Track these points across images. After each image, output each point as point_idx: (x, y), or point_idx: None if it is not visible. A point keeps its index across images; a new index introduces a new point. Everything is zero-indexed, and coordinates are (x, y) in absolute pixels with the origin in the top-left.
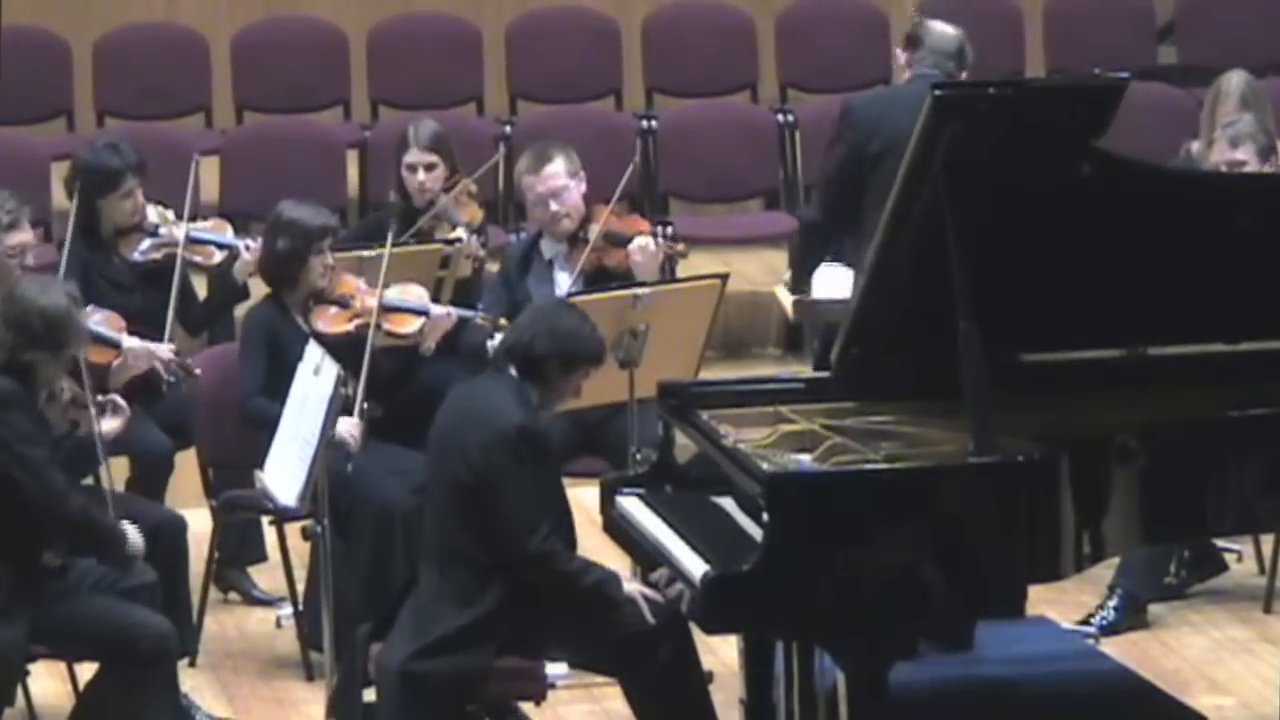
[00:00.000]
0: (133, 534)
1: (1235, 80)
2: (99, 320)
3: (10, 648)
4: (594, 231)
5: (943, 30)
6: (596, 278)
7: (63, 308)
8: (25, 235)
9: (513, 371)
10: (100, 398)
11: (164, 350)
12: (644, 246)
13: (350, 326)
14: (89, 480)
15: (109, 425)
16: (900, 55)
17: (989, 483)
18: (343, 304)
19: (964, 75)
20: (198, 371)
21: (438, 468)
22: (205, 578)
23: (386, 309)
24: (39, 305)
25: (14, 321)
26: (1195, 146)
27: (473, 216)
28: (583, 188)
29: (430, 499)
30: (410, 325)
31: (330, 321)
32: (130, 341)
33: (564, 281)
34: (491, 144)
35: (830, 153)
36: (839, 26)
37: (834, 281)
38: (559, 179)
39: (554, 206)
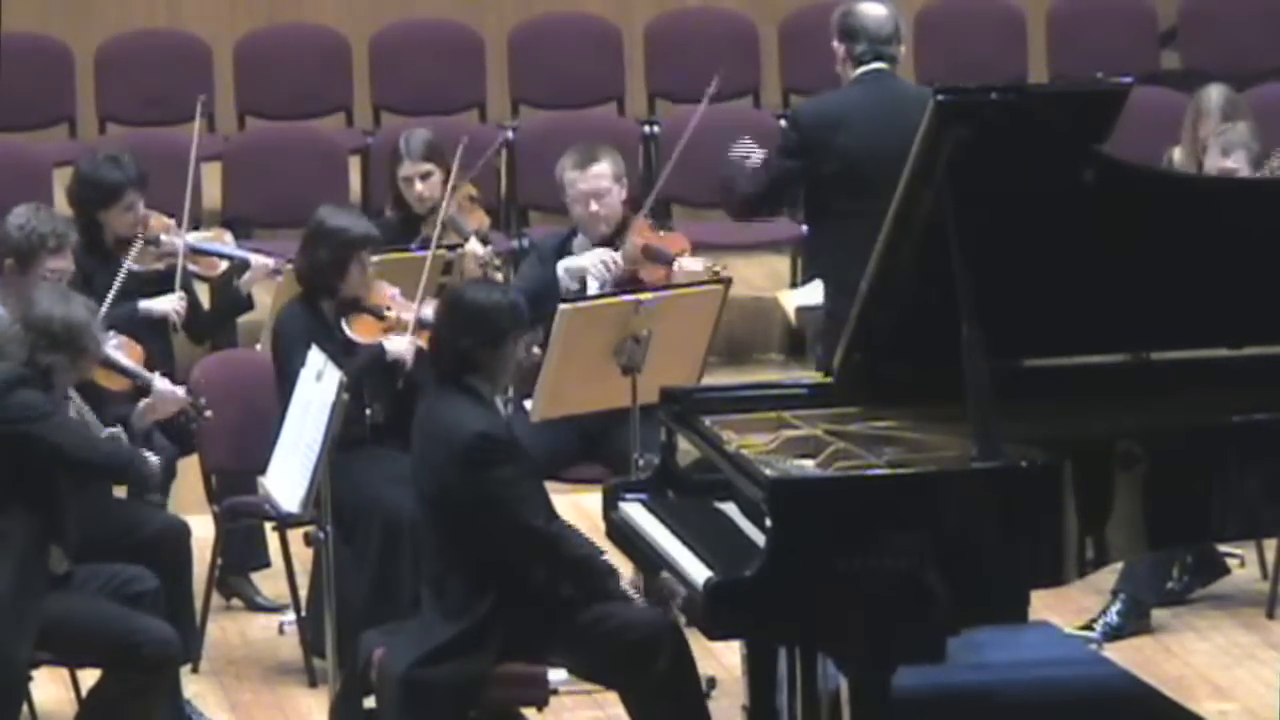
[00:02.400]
0: (151, 459)
1: (1214, 95)
2: (116, 346)
3: (15, 656)
4: (630, 242)
5: (875, 14)
6: (627, 286)
7: (84, 317)
8: (65, 262)
9: (457, 377)
10: (104, 433)
11: (180, 392)
12: (692, 272)
13: (381, 338)
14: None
15: None
16: (838, 48)
17: (992, 488)
18: (377, 314)
19: (902, 50)
20: (209, 414)
21: (416, 489)
22: (208, 584)
23: (422, 326)
24: (61, 311)
25: (36, 324)
26: (1176, 154)
27: (480, 222)
28: (624, 193)
29: (420, 518)
30: None
31: (363, 330)
32: (161, 384)
33: (594, 287)
34: (494, 150)
35: (780, 160)
36: None
37: (810, 288)
38: (604, 180)
39: (594, 207)
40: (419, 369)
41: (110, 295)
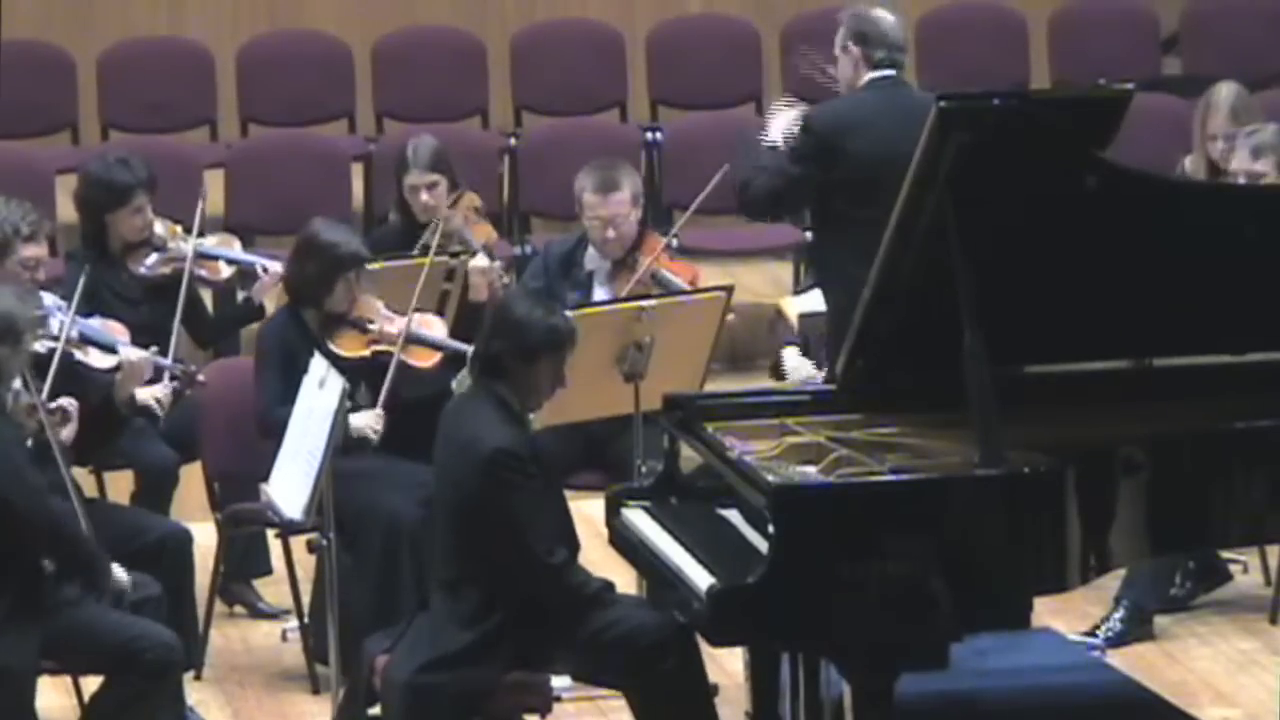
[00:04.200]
0: (118, 571)
1: (1225, 92)
2: (98, 325)
3: (20, 666)
4: (643, 262)
5: (888, 19)
6: None
7: (13, 303)
8: (41, 249)
9: (488, 382)
10: (51, 404)
11: (147, 354)
12: None
13: (367, 352)
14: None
15: (64, 433)
16: (854, 51)
17: (995, 494)
18: (361, 327)
19: (904, 56)
20: (202, 378)
21: (438, 492)
22: (211, 591)
23: (409, 339)
24: None
25: None
26: (1188, 163)
27: (487, 237)
28: (639, 213)
29: (435, 521)
30: (430, 360)
31: (348, 344)
32: (129, 353)
33: (602, 298)
34: (496, 157)
35: (793, 165)
36: None
37: (813, 294)
38: (623, 207)
39: (611, 234)
40: (418, 384)
41: (74, 301)
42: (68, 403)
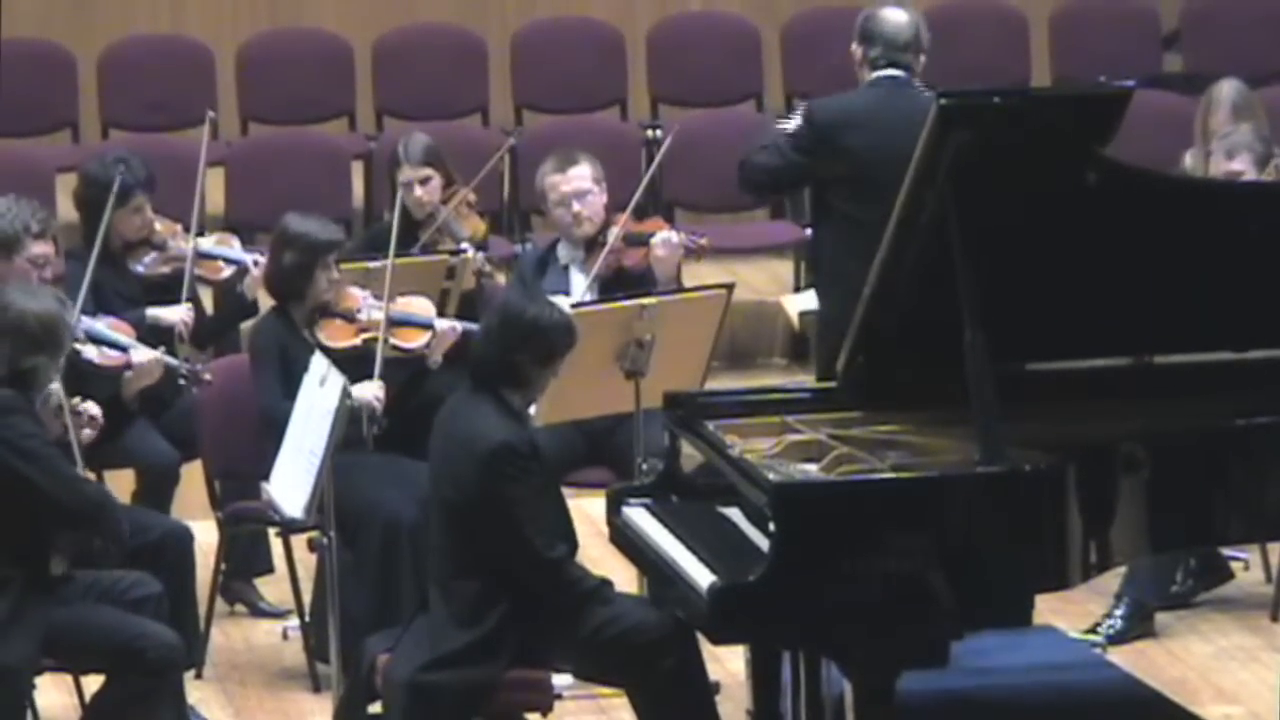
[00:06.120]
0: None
1: (1226, 89)
2: (107, 325)
3: (20, 665)
4: (613, 235)
5: (895, 20)
6: (613, 280)
7: (55, 309)
8: (49, 246)
9: (491, 382)
10: (78, 405)
11: (159, 354)
12: (666, 239)
13: (357, 340)
14: None
15: (85, 433)
16: (855, 51)
17: (996, 492)
18: (348, 317)
19: (921, 59)
20: (208, 377)
21: (433, 491)
22: (212, 589)
23: (394, 323)
24: (33, 310)
25: (11, 328)
26: (1189, 158)
27: (475, 229)
28: (604, 197)
29: (431, 521)
30: (417, 339)
31: (336, 335)
32: (139, 353)
33: (580, 284)
34: (498, 158)
35: (791, 152)
36: (844, 36)
37: (813, 293)
38: (585, 180)
39: (577, 207)
40: (428, 379)
41: (80, 299)
42: (95, 410)
